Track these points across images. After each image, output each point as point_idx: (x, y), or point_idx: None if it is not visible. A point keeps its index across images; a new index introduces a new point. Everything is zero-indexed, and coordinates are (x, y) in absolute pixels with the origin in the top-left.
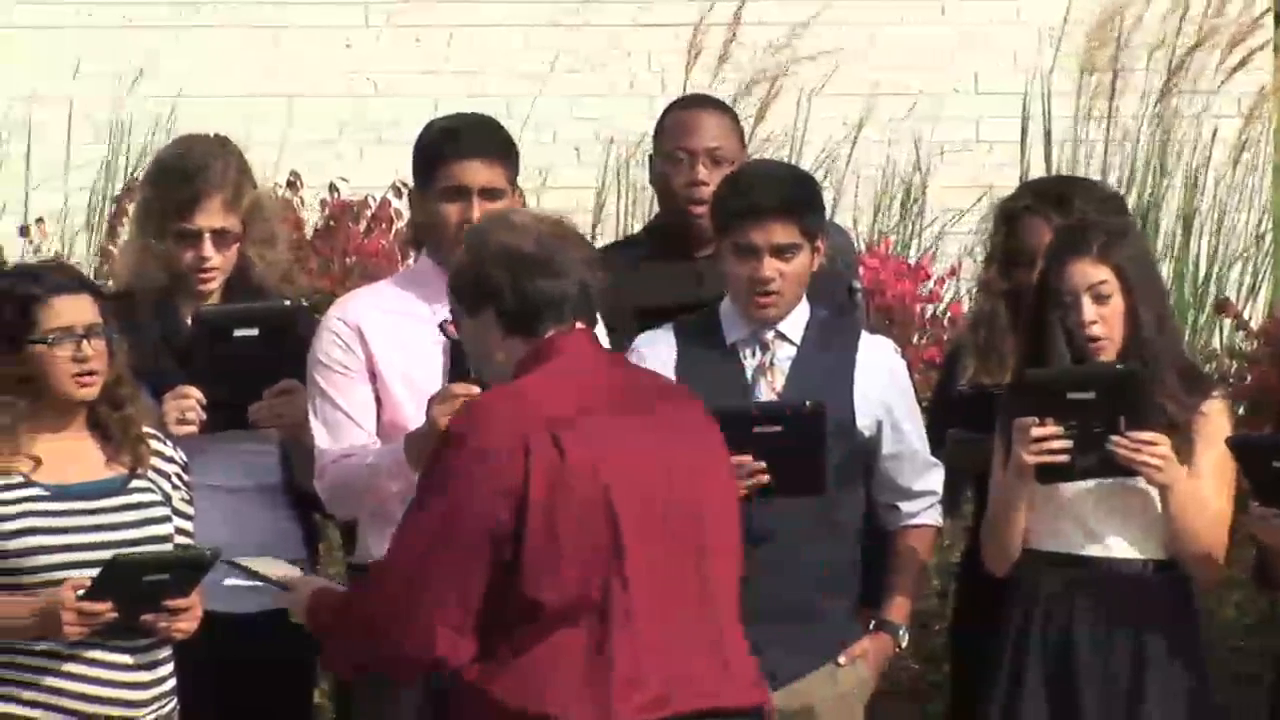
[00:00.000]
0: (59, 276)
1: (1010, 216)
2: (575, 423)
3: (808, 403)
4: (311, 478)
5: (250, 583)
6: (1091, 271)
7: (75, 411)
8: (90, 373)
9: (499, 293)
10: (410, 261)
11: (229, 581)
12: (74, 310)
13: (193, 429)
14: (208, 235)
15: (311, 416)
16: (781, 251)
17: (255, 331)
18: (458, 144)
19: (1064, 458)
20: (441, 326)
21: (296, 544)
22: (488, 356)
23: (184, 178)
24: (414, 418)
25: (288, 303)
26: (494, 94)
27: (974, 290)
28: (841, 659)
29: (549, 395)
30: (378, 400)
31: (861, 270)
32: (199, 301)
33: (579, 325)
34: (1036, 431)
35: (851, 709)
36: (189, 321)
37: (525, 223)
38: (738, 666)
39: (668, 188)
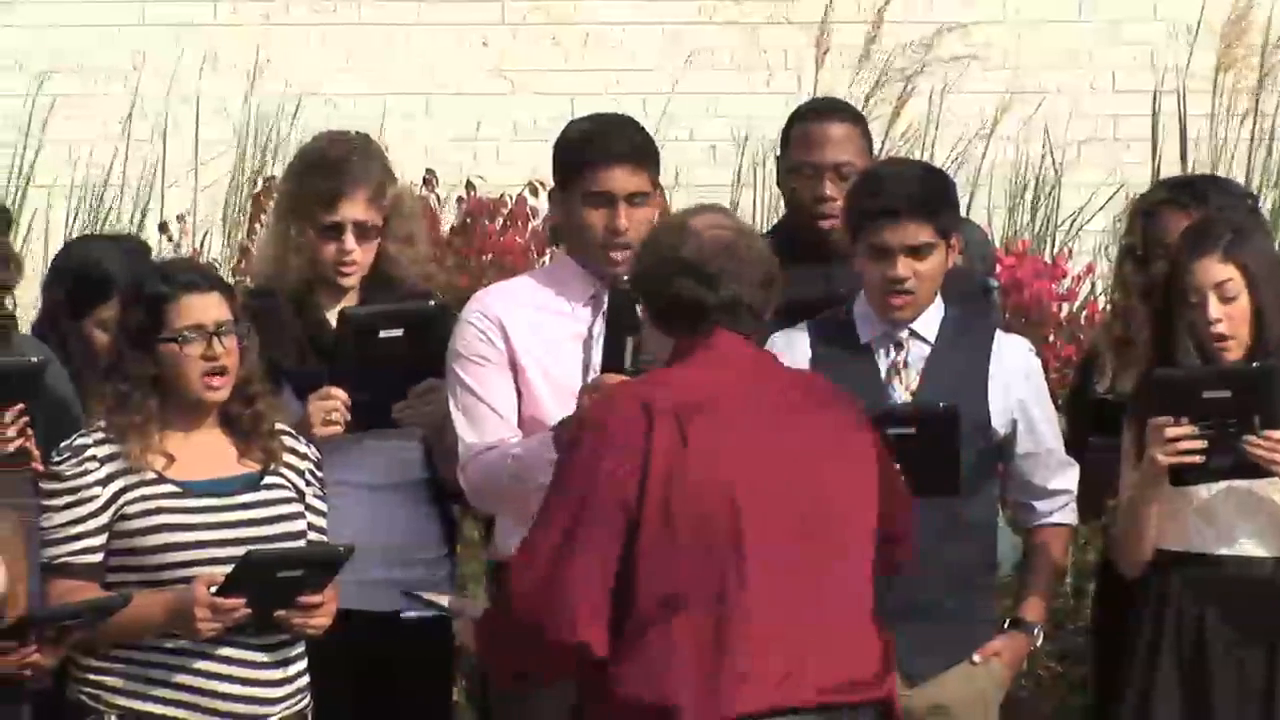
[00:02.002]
0: (189, 274)
1: (1146, 211)
2: (704, 411)
3: (942, 404)
4: (453, 475)
5: (424, 612)
6: (1217, 270)
7: (207, 409)
8: (220, 371)
9: (653, 294)
10: (546, 259)
11: (407, 614)
12: (204, 308)
13: (338, 429)
14: (350, 228)
15: (453, 409)
16: (916, 251)
17: (400, 332)
18: (601, 149)
19: (1198, 458)
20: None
21: (436, 541)
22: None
23: (328, 171)
24: (554, 412)
25: (432, 303)
26: (630, 91)
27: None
28: (976, 658)
29: (685, 384)
30: (518, 394)
31: (998, 268)
32: (339, 297)
33: (724, 330)
34: (1171, 431)
35: (986, 708)
36: (330, 317)
37: (696, 228)
38: (860, 661)
39: (794, 198)
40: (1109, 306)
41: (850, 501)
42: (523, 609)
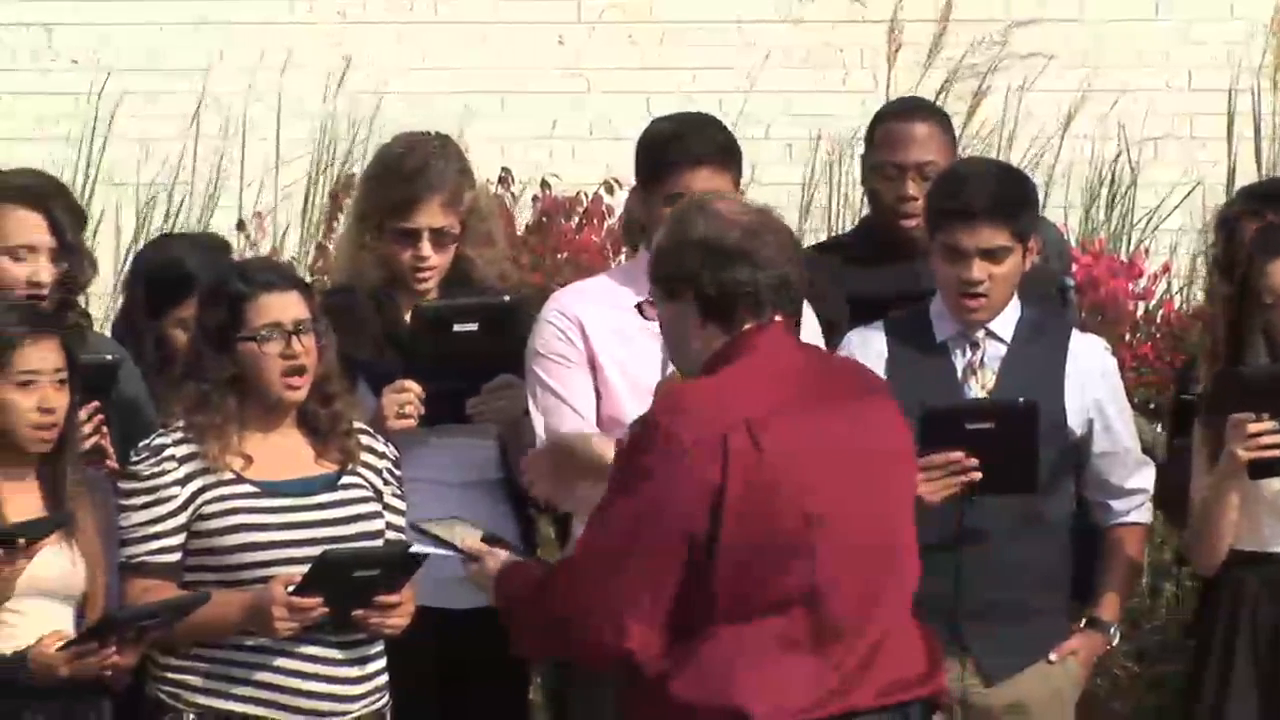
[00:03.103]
0: (267, 273)
1: (1226, 222)
2: (772, 421)
3: (1021, 400)
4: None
5: (438, 550)
6: None
7: (285, 409)
8: (299, 371)
9: (697, 279)
10: (622, 258)
11: (417, 548)
12: (282, 306)
13: (411, 423)
14: (426, 234)
15: (532, 407)
16: (991, 255)
17: (475, 326)
18: (686, 150)
19: (1278, 453)
20: (639, 307)
21: (513, 539)
22: (683, 342)
23: (404, 177)
24: (632, 410)
25: (507, 297)
26: (706, 90)
27: (1185, 286)
28: (1053, 656)
29: (747, 392)
30: (596, 393)
31: (1074, 267)
32: (416, 297)
33: (776, 318)
34: (1254, 427)
35: (1063, 707)
36: (408, 314)
37: (729, 211)
38: (913, 659)
39: (877, 197)
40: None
41: (903, 495)
42: (569, 609)
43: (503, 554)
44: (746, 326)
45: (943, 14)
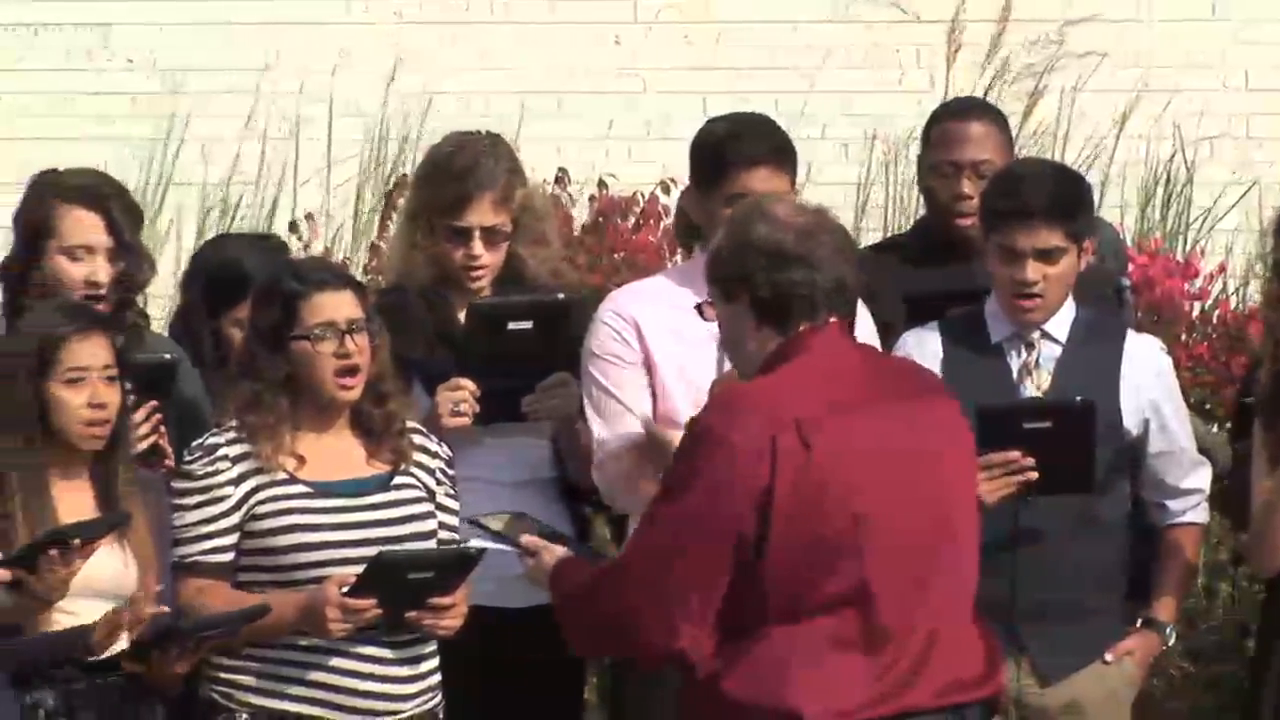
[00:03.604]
0: (321, 272)
1: None
2: (823, 421)
3: (1078, 399)
4: (582, 472)
5: (496, 545)
6: None
7: (338, 410)
8: (352, 371)
9: (752, 281)
10: (678, 258)
11: (475, 543)
12: (336, 305)
13: (466, 421)
14: (478, 233)
15: (588, 408)
16: (1046, 255)
17: (529, 324)
18: (743, 150)
19: None
20: (699, 308)
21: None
22: (739, 344)
23: (455, 176)
24: (688, 411)
25: (562, 296)
26: (762, 90)
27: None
28: (1109, 656)
29: (799, 392)
30: (653, 393)
31: (1130, 267)
32: (469, 296)
33: (831, 320)
34: None
35: (1119, 707)
36: (461, 313)
37: (784, 214)
38: (971, 660)
39: (933, 196)
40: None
41: (962, 496)
42: (622, 605)
43: (560, 549)
44: (801, 328)
45: (1001, 14)
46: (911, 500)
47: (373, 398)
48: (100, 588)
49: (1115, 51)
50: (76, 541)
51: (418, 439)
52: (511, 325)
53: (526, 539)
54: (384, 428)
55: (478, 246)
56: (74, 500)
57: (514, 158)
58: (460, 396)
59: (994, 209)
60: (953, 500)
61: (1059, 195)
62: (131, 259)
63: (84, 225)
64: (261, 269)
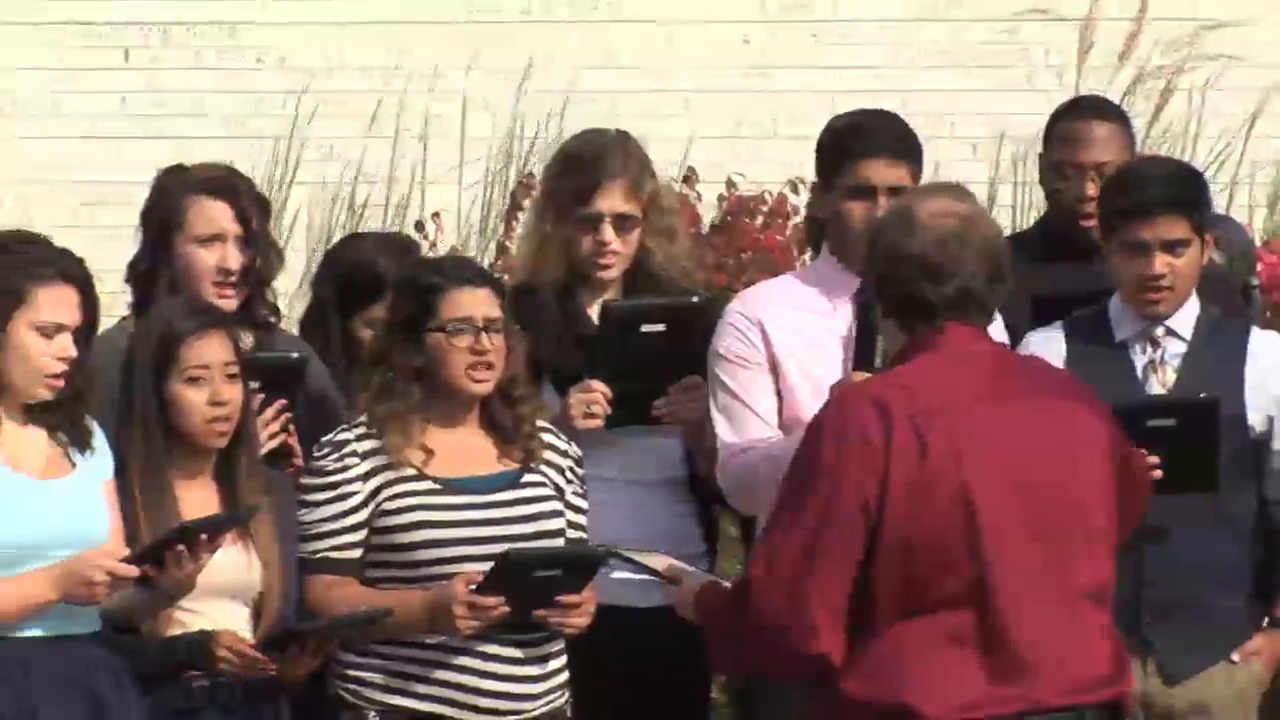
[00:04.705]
0: (463, 269)
1: None
2: (940, 414)
3: (1203, 395)
4: (711, 472)
5: (637, 575)
6: None
7: (469, 405)
8: (486, 366)
9: (881, 284)
10: (807, 257)
11: (616, 575)
12: (474, 302)
13: (598, 423)
14: (608, 220)
15: (713, 409)
16: (1172, 247)
17: (662, 327)
18: (864, 141)
19: None
20: (858, 299)
21: (695, 539)
22: (883, 334)
23: (586, 164)
24: (814, 411)
25: (695, 298)
26: (891, 89)
27: None
28: (1235, 656)
29: (918, 386)
30: (778, 394)
31: (1258, 266)
32: (600, 293)
33: (949, 324)
34: None
35: (1246, 708)
36: (591, 312)
37: (921, 218)
38: (1095, 661)
39: (1055, 196)
40: None
41: (1089, 497)
42: (763, 616)
43: (701, 574)
44: (926, 328)
45: (1137, 14)
46: (1036, 499)
47: (504, 399)
48: (224, 587)
49: (1246, 53)
50: (203, 537)
51: (548, 438)
52: (645, 328)
53: (668, 566)
54: (515, 429)
55: (608, 233)
56: (198, 498)
57: (644, 154)
58: (592, 399)
59: (1114, 207)
60: (1085, 500)
61: (1178, 188)
62: (260, 249)
63: (214, 214)
64: (393, 269)
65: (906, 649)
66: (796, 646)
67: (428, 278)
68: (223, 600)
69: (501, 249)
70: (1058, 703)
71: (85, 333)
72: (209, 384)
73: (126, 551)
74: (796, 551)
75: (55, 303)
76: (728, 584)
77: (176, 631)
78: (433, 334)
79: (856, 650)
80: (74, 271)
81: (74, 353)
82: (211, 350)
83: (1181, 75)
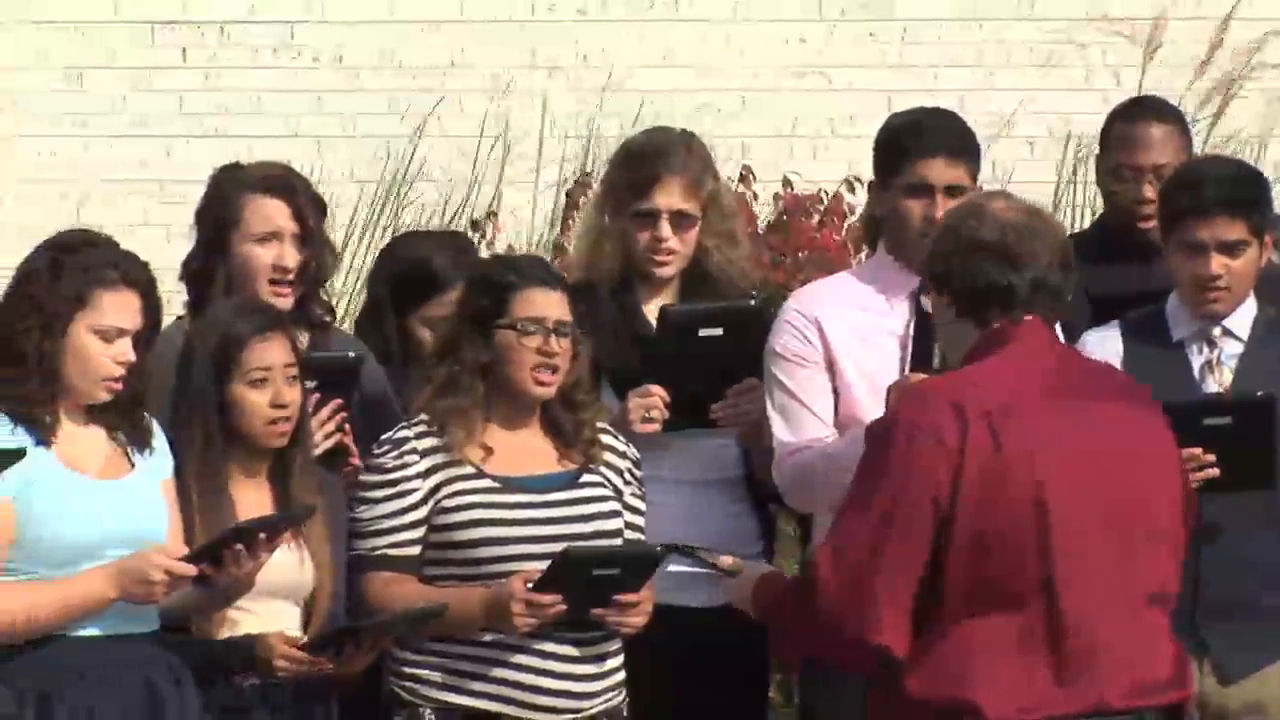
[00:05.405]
0: (538, 269)
1: None
2: (1012, 413)
3: (1259, 393)
4: (769, 471)
5: (694, 569)
6: None
7: (531, 407)
8: (551, 368)
9: (950, 276)
10: (863, 256)
11: (673, 568)
12: (547, 303)
13: (656, 427)
14: (665, 216)
15: (769, 408)
16: (1229, 248)
17: (719, 330)
18: (922, 140)
19: None
20: (916, 297)
21: (751, 538)
22: (944, 335)
23: (645, 159)
24: (871, 410)
25: (752, 301)
26: (949, 88)
27: None
28: None
29: (991, 384)
30: (835, 393)
31: None
32: (656, 291)
33: (1029, 317)
34: None
35: None
36: (647, 311)
37: (994, 211)
38: (1159, 663)
39: (1113, 198)
40: None
41: (1156, 497)
42: (827, 605)
43: (760, 565)
44: (997, 324)
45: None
46: (1101, 499)
47: (566, 404)
48: (277, 586)
49: None
50: (262, 536)
51: (606, 439)
52: (703, 331)
53: (725, 559)
54: (574, 434)
55: (665, 229)
56: (253, 499)
57: (706, 153)
58: (651, 403)
59: (1173, 206)
60: (1150, 501)
61: (1237, 189)
62: (316, 248)
63: (270, 212)
64: (449, 268)
65: (971, 648)
66: (857, 635)
67: (503, 275)
68: (275, 600)
69: (558, 248)
70: (1120, 705)
71: (146, 336)
72: (271, 385)
73: (185, 550)
74: (864, 547)
75: (116, 307)
76: (785, 575)
77: (228, 631)
78: (503, 331)
79: (922, 647)
80: (137, 275)
81: (133, 357)
82: (273, 352)
83: (1245, 80)
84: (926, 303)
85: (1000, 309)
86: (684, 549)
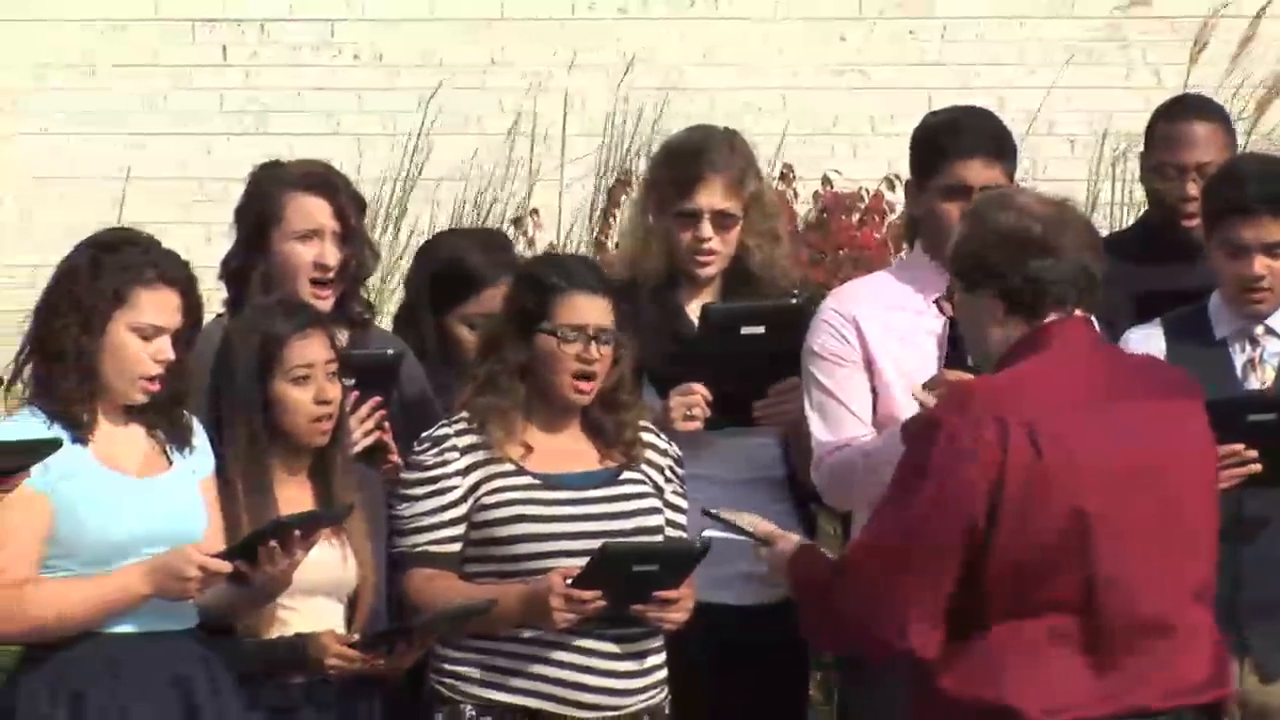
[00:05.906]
0: (585, 274)
1: None
2: (1056, 421)
3: None
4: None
5: (727, 534)
6: None
7: (570, 412)
8: (590, 376)
9: (1001, 273)
10: (903, 254)
11: (708, 533)
12: (591, 310)
13: (698, 425)
14: (707, 216)
15: (807, 407)
16: (1272, 249)
17: (761, 329)
18: (960, 140)
19: None
20: (938, 303)
21: None
22: (982, 334)
23: (688, 157)
24: (909, 409)
25: (794, 300)
26: (987, 86)
27: None
28: None
29: (1033, 388)
30: (873, 392)
31: None
32: (698, 290)
33: (1078, 312)
34: None
35: None
36: (689, 310)
37: (1030, 203)
38: (1200, 664)
39: (1156, 196)
40: None
41: (1198, 497)
42: (853, 603)
43: (796, 537)
44: (1049, 319)
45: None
46: (1143, 501)
47: (606, 405)
48: (320, 584)
49: None
50: (297, 533)
51: (648, 437)
52: (745, 330)
53: (762, 527)
54: (615, 434)
55: (706, 229)
56: (294, 496)
57: (750, 153)
58: (693, 401)
59: (1216, 205)
60: (1189, 501)
61: None
62: (357, 246)
63: (311, 210)
64: (487, 266)
65: (1010, 649)
66: (882, 635)
67: (550, 277)
68: (318, 597)
69: (599, 246)
70: (1159, 705)
71: (187, 335)
72: (313, 383)
73: (222, 547)
74: (893, 547)
75: (155, 305)
76: (823, 551)
77: (277, 630)
78: (544, 335)
79: (959, 648)
80: (176, 274)
81: (171, 356)
82: (314, 350)
83: None
84: (948, 307)
85: (1055, 303)
86: (715, 515)
